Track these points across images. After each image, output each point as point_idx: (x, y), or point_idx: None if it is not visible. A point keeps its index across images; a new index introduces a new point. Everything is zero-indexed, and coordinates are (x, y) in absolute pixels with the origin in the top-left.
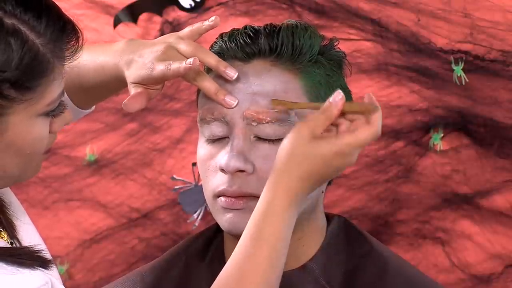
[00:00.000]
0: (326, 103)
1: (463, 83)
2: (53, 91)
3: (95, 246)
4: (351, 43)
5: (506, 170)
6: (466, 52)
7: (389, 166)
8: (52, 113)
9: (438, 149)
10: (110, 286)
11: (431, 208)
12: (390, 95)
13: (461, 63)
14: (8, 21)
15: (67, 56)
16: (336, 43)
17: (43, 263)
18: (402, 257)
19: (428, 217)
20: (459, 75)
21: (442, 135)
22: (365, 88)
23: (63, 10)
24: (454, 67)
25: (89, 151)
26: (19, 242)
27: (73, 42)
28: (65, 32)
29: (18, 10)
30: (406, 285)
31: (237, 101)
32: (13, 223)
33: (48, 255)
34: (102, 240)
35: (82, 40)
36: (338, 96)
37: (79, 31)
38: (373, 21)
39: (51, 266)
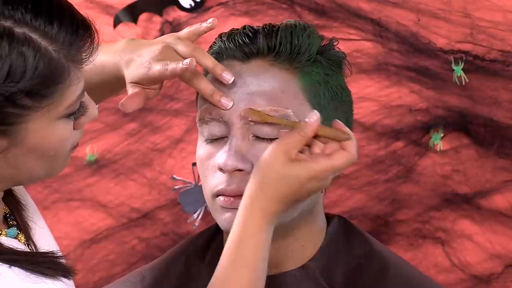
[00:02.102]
0: (301, 122)
1: (463, 83)
2: (71, 95)
3: (95, 246)
4: (351, 43)
5: (506, 170)
6: (466, 52)
7: (389, 166)
8: (73, 115)
9: (438, 149)
10: (110, 287)
11: (431, 208)
12: (390, 95)
13: (461, 63)
14: (19, 30)
15: (83, 58)
16: (335, 43)
17: (65, 273)
18: (402, 257)
19: (428, 217)
20: (459, 75)
21: (442, 135)
22: (365, 88)
23: (77, 10)
24: (454, 67)
25: (89, 151)
26: (34, 245)
27: (88, 43)
28: (79, 34)
29: (29, 17)
30: (406, 285)
31: (232, 102)
32: (29, 225)
33: (68, 263)
34: (102, 240)
35: (98, 40)
36: (313, 116)
37: (94, 31)
38: (373, 21)
39: (72, 275)
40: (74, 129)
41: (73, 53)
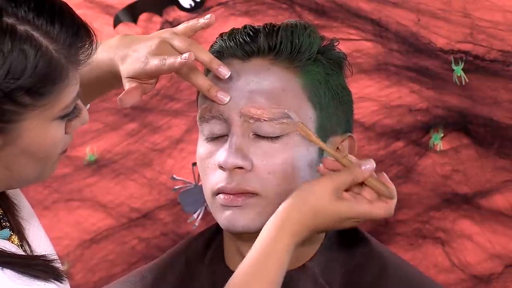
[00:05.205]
0: (355, 166)
1: (463, 83)
2: (68, 95)
3: (95, 246)
4: (351, 43)
5: (506, 170)
6: (466, 52)
7: (389, 166)
8: (67, 117)
9: (438, 149)
10: (110, 286)
11: (431, 208)
12: (390, 95)
13: (461, 63)
14: (21, 27)
15: (81, 60)
16: (336, 44)
17: (57, 276)
18: (402, 257)
19: (428, 217)
20: (459, 75)
21: (442, 135)
22: (365, 88)
23: (77, 14)
24: (454, 67)
25: (89, 151)
26: (29, 245)
27: (87, 46)
28: (79, 36)
29: (31, 16)
30: (406, 285)
31: (229, 97)
32: (22, 225)
33: (61, 266)
34: (102, 240)
35: (96, 43)
36: (369, 164)
37: (93, 34)
38: (373, 21)
39: (64, 279)
40: (65, 132)
41: (72, 54)
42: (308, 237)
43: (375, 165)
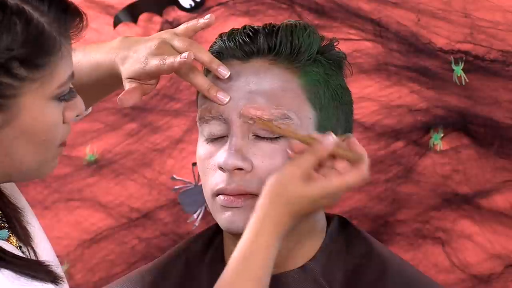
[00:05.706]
0: (316, 143)
1: (463, 83)
2: (63, 71)
3: (95, 246)
4: (351, 43)
5: (506, 170)
6: (466, 52)
7: (389, 166)
8: (64, 97)
9: (438, 149)
10: (111, 286)
11: (431, 208)
12: (390, 95)
13: (461, 63)
14: (12, 1)
15: (72, 35)
16: (336, 44)
17: (55, 279)
18: (402, 257)
19: (428, 217)
20: (459, 75)
21: (442, 135)
22: (365, 88)
23: None
24: (454, 67)
25: (89, 151)
26: (34, 251)
27: (77, 22)
28: (68, 12)
29: None
30: (406, 285)
31: (229, 97)
32: (28, 230)
33: (60, 271)
34: (102, 240)
35: (86, 20)
36: (329, 138)
37: (82, 13)
38: (373, 21)
39: (62, 282)
40: (63, 122)
41: (63, 28)
42: (293, 224)
43: (335, 138)
